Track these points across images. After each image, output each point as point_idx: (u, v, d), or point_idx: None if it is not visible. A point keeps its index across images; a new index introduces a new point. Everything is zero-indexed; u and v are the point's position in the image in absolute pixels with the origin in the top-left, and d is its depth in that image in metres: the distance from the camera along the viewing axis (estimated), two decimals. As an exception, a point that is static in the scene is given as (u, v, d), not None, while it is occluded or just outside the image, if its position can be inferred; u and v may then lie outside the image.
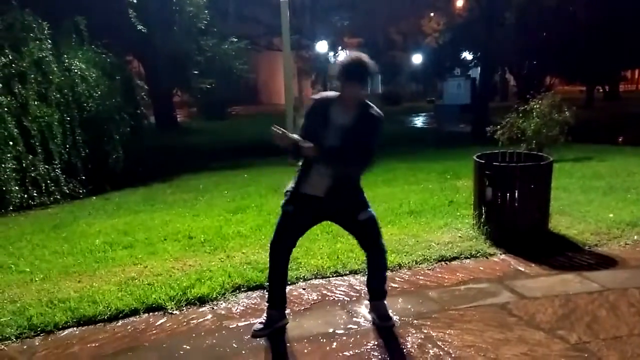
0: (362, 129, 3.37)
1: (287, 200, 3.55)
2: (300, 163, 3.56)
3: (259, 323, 3.61)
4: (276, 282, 3.64)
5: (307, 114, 3.49)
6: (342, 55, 3.43)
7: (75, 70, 10.08)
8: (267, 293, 3.71)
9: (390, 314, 3.71)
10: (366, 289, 3.82)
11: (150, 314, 3.92)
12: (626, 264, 4.68)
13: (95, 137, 10.15)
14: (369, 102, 3.44)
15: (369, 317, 3.75)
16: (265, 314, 3.65)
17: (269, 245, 3.59)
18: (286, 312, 3.73)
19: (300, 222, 3.59)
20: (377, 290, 3.72)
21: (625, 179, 8.18)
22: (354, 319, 3.76)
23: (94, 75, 10.45)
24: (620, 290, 4.11)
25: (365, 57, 3.33)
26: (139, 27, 13.75)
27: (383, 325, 3.63)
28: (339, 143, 3.34)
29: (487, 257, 4.90)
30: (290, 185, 3.58)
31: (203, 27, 18.82)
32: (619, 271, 4.55)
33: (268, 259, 3.61)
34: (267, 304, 3.67)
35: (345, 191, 3.49)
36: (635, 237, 5.31)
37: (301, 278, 4.47)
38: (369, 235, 3.60)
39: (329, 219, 3.67)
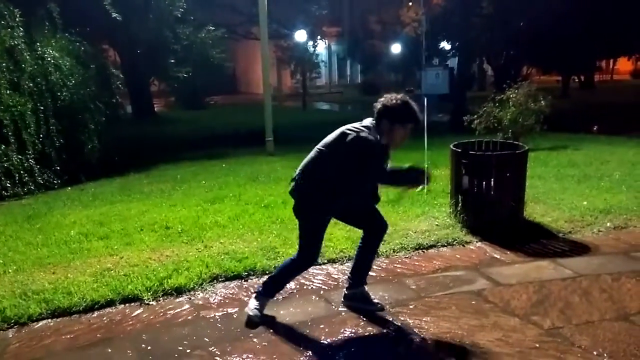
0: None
1: (324, 213, 3.50)
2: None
3: (255, 309, 3.60)
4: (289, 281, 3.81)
5: (375, 157, 3.35)
6: (387, 99, 3.38)
7: (49, 59, 9.86)
8: (273, 285, 3.69)
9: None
10: (349, 276, 3.83)
11: (127, 304, 3.89)
12: (599, 251, 4.78)
13: (70, 127, 9.97)
14: None
15: (347, 305, 3.77)
16: (258, 302, 3.63)
17: (307, 259, 3.59)
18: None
19: (327, 225, 3.62)
20: (365, 275, 3.77)
21: (599, 167, 8.31)
22: (332, 307, 3.77)
23: (67, 63, 10.23)
24: (592, 277, 4.19)
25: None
26: (114, 14, 13.49)
27: (374, 310, 3.68)
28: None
29: (463, 245, 4.96)
30: (323, 199, 3.45)
31: (179, 15, 18.56)
32: (592, 258, 4.64)
33: (288, 269, 3.66)
34: (263, 293, 3.66)
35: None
36: (608, 224, 5.42)
37: (279, 267, 4.46)
38: (378, 217, 3.67)
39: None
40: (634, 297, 3.81)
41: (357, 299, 3.76)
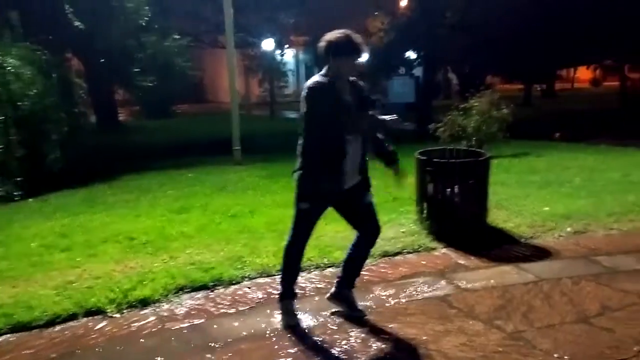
0: (366, 103, 3.68)
1: (304, 199, 3.55)
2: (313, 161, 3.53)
3: (289, 315, 3.70)
4: (294, 277, 3.81)
5: (319, 98, 3.44)
6: (330, 35, 3.43)
7: (9, 68, 9.67)
8: (280, 288, 3.82)
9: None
10: (338, 278, 3.83)
11: (90, 318, 3.81)
12: (560, 255, 4.89)
13: (32, 137, 9.76)
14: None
15: (314, 314, 3.78)
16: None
17: (285, 247, 3.73)
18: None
19: (317, 217, 3.66)
20: (356, 276, 3.81)
21: (559, 173, 8.52)
22: (299, 317, 3.77)
23: (28, 73, 10.04)
24: (554, 280, 4.29)
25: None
26: (77, 23, 13.32)
27: (357, 316, 3.69)
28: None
29: (429, 252, 5.01)
30: (305, 184, 3.55)
31: (144, 24, 18.40)
32: (553, 262, 4.75)
33: (285, 260, 3.74)
34: (279, 297, 3.80)
35: (365, 173, 3.73)
36: (569, 229, 5.55)
37: (246, 277, 4.44)
38: (373, 215, 3.73)
39: (336, 206, 3.73)
40: (593, 300, 3.92)
41: (341, 301, 3.77)
